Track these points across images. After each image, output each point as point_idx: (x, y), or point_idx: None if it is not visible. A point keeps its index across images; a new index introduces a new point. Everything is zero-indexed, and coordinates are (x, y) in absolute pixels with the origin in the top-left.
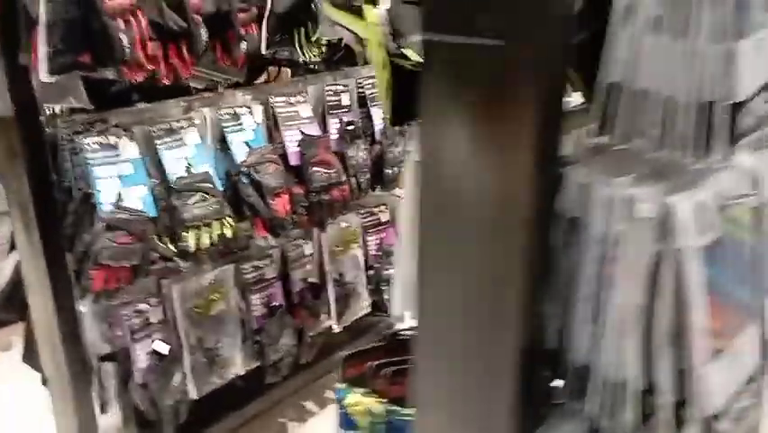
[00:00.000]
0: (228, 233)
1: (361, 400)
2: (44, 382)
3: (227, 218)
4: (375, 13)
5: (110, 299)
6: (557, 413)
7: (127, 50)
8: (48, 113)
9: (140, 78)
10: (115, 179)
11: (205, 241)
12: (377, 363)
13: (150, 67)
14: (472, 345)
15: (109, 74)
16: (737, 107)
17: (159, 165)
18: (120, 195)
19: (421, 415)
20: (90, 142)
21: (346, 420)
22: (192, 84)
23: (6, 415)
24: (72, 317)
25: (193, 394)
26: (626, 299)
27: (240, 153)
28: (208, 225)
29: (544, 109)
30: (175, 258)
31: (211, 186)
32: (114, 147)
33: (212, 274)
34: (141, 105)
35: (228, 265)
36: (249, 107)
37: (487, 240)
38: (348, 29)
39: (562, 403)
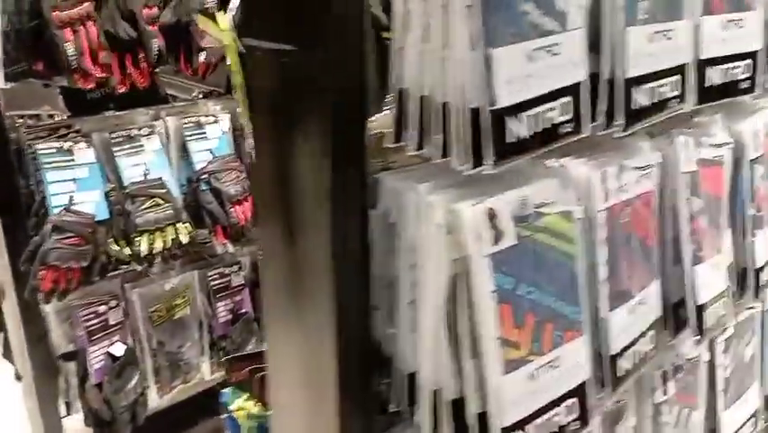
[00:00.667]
0: (183, 238)
1: (243, 405)
2: (18, 377)
3: (182, 224)
4: (225, 19)
5: (67, 299)
6: (398, 422)
7: (73, 59)
8: (19, 120)
9: (90, 85)
10: (69, 182)
11: (158, 245)
12: (256, 366)
13: (100, 75)
14: (302, 348)
15: (62, 82)
16: (511, 113)
17: (116, 171)
18: (72, 198)
19: (274, 418)
20: (45, 147)
21: (231, 425)
22: (171, 92)
23: None
24: (37, 316)
25: (155, 397)
26: (432, 306)
27: (200, 161)
28: (161, 229)
29: (340, 114)
30: (133, 262)
31: (165, 191)
32: (70, 152)
33: (177, 279)
34: (109, 114)
35: (193, 271)
36: (215, 117)
37: (304, 239)
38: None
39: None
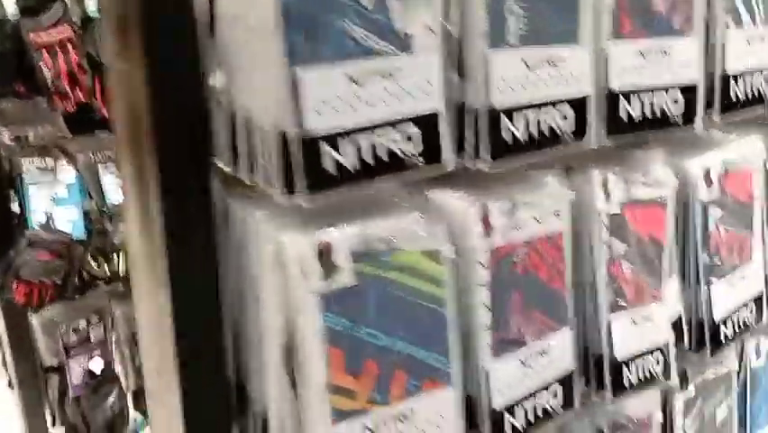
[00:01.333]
0: None
1: None
2: (10, 385)
3: None
4: None
5: (52, 313)
6: None
7: (49, 82)
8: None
9: (70, 108)
10: (47, 200)
11: None
12: None
13: (78, 98)
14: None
15: (43, 103)
16: (329, 140)
17: (100, 190)
18: (49, 215)
19: None
20: (28, 164)
21: None
22: None
23: None
24: (23, 328)
25: (135, 415)
26: (274, 345)
27: None
28: None
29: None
30: (113, 280)
31: None
32: (52, 171)
33: None
34: (104, 135)
35: None
36: None
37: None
38: None
39: None
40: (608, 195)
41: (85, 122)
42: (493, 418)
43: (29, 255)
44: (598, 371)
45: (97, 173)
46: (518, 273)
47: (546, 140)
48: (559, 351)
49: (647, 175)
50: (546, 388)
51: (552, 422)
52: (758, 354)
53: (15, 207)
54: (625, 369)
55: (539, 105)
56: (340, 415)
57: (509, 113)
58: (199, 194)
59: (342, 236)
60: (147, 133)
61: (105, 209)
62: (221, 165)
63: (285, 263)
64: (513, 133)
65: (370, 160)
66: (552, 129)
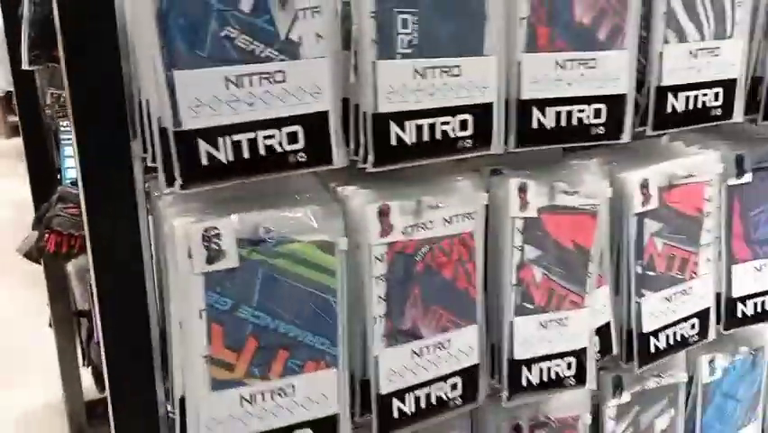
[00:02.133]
0: None
1: None
2: (50, 325)
3: None
4: None
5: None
6: None
7: None
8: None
9: None
10: None
11: None
12: None
13: None
14: None
15: None
16: (206, 136)
17: None
18: None
19: None
20: (65, 124)
21: None
22: None
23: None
24: (60, 274)
25: None
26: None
27: None
28: None
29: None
30: None
31: None
32: None
33: None
34: None
35: None
36: None
37: None
38: None
39: None
40: (523, 201)
41: None
42: (381, 402)
43: (58, 209)
44: (501, 369)
45: None
46: (418, 270)
47: (441, 145)
48: (461, 346)
49: (579, 184)
50: (444, 379)
51: (450, 412)
52: (712, 369)
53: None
54: (524, 369)
55: (433, 113)
56: (218, 384)
57: (398, 118)
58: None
59: (229, 223)
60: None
61: None
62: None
63: (175, 245)
64: (400, 137)
65: (248, 155)
66: (445, 134)
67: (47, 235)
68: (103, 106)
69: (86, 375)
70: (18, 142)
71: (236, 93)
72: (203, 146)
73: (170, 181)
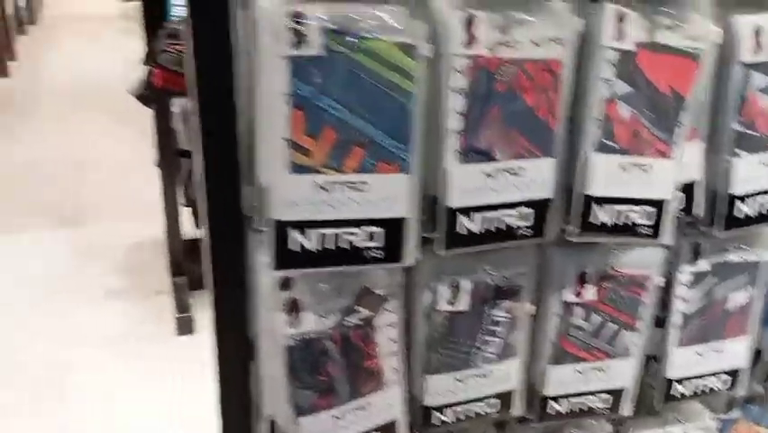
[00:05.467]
0: None
1: None
2: (156, 164)
3: None
4: None
5: (182, 102)
6: None
7: None
8: None
9: None
10: None
11: None
12: None
13: None
14: None
15: None
16: None
17: None
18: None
19: None
20: None
21: None
22: None
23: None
24: (166, 114)
25: None
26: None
27: None
28: None
29: None
30: None
31: None
32: None
33: None
34: None
35: None
36: None
37: None
38: None
39: None
40: (620, 31)
41: None
42: (449, 217)
43: (166, 45)
44: (573, 205)
45: None
46: (500, 90)
47: None
48: (534, 176)
49: (684, 22)
50: (512, 207)
51: (516, 241)
52: None
53: None
54: (597, 208)
55: None
56: (296, 168)
57: None
58: None
59: (316, 10)
60: None
61: None
62: None
63: (262, 28)
64: None
65: None
66: None
67: (154, 70)
68: None
69: (186, 215)
70: (135, 3)
71: None
72: None
73: None
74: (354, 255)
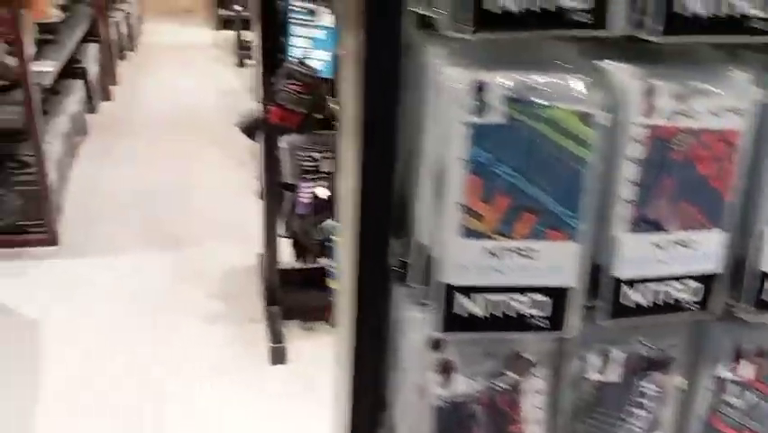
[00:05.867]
0: None
1: None
2: (260, 196)
3: None
4: None
5: (295, 140)
6: None
7: None
8: None
9: None
10: (307, 39)
11: None
12: None
13: None
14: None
15: None
16: None
17: None
18: (306, 53)
19: None
20: (296, 4)
21: None
22: None
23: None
24: (273, 148)
25: None
26: (426, 166)
27: None
28: None
29: None
30: None
31: None
32: (313, 13)
33: None
34: None
35: None
36: None
37: None
38: None
39: None
40: None
41: None
42: (615, 287)
43: (284, 85)
44: (744, 281)
45: None
46: (674, 159)
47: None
48: (704, 249)
49: None
50: (680, 279)
51: (679, 315)
52: None
53: None
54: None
55: None
56: (468, 232)
57: None
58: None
59: (499, 79)
60: None
61: None
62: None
63: (444, 95)
64: None
65: None
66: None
67: (270, 108)
68: None
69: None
70: (226, 34)
71: None
72: None
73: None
74: (518, 322)
